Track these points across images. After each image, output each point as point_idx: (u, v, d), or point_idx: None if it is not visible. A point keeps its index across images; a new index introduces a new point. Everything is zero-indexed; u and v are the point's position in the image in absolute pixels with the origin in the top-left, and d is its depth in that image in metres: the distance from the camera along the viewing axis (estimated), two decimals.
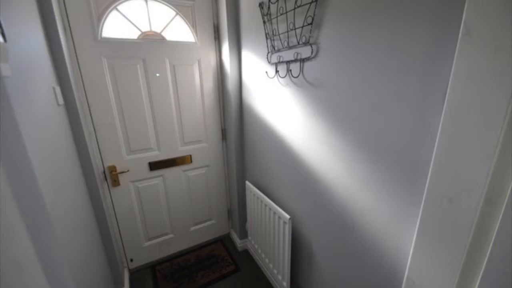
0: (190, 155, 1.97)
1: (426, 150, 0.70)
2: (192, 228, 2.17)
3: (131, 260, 1.95)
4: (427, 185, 0.67)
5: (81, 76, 1.48)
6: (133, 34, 1.61)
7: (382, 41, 0.77)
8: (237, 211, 2.10)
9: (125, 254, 1.91)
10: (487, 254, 0.56)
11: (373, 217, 0.91)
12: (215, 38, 1.83)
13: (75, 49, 1.43)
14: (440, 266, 0.67)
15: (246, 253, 2.13)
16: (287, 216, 1.32)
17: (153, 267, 1.99)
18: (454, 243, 0.62)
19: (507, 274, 0.53)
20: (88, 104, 1.53)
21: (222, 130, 2.07)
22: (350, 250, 1.05)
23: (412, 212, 0.77)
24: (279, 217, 1.40)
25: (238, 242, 2.18)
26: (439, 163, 0.63)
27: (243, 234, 2.16)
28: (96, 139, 1.60)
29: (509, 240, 0.52)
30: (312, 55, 1.06)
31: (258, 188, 1.73)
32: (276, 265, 1.57)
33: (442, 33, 0.62)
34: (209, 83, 1.91)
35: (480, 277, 0.58)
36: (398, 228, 0.83)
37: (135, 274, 1.94)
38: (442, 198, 0.63)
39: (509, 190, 0.51)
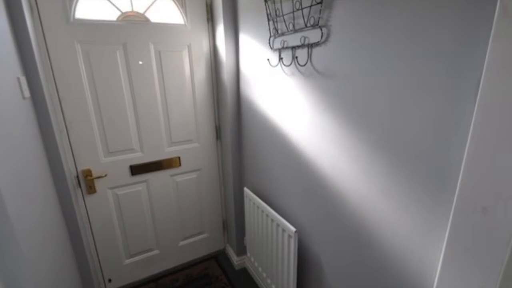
0: (179, 157, 1.98)
1: (455, 151, 0.70)
2: (181, 243, 2.17)
3: (109, 280, 1.95)
4: (457, 192, 0.66)
5: (51, 65, 1.48)
6: (112, 15, 1.61)
7: (403, 22, 0.77)
8: (234, 223, 2.11)
9: (102, 273, 1.92)
10: None
11: (394, 230, 0.91)
12: (208, 20, 1.84)
13: (43, 33, 1.43)
14: (473, 287, 0.67)
15: (244, 272, 2.13)
16: (293, 229, 1.32)
17: None
18: (489, 260, 0.62)
19: None
20: (58, 97, 1.53)
21: (216, 128, 2.08)
22: (366, 268, 1.05)
23: (440, 224, 0.77)
24: (283, 230, 1.40)
25: (235, 259, 2.18)
26: (471, 167, 0.63)
27: (241, 250, 2.17)
28: (68, 138, 1.60)
29: None
30: (322, 40, 1.06)
31: (259, 196, 1.73)
32: (280, 286, 1.57)
33: (475, 14, 0.62)
34: (201, 73, 1.92)
35: None
36: (423, 243, 0.83)
37: None
38: (475, 207, 0.63)
39: None
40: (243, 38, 1.66)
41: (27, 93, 1.24)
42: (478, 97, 0.59)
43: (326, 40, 1.05)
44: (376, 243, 0.99)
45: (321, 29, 1.05)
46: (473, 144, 0.62)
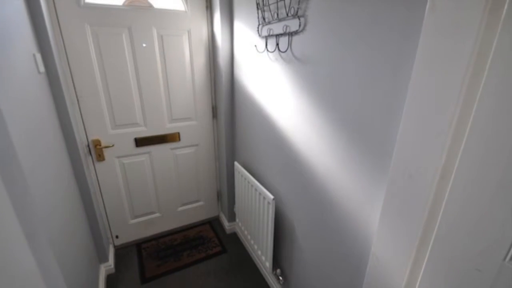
0: (178, 133, 2.06)
1: (395, 130, 0.77)
2: (180, 209, 2.30)
3: (117, 236, 2.10)
4: (392, 162, 0.74)
5: (64, 44, 1.54)
6: (118, 0, 1.64)
7: (365, 13, 0.82)
8: (226, 193, 2.22)
9: (110, 230, 2.06)
10: (436, 227, 0.65)
11: (350, 196, 1.00)
12: (206, 7, 1.86)
13: (57, 15, 1.48)
14: (400, 241, 0.76)
15: (234, 236, 2.27)
16: (271, 197, 1.42)
17: (139, 245, 2.15)
18: (412, 218, 0.71)
19: (450, 251, 0.62)
20: (71, 73, 1.60)
21: (212, 108, 2.14)
22: (328, 228, 1.15)
23: (382, 191, 0.85)
24: (264, 198, 1.50)
25: (227, 224, 2.32)
26: (402, 141, 0.70)
27: (232, 216, 2.29)
28: (80, 110, 1.69)
29: (455, 214, 0.60)
30: (300, 29, 1.11)
31: (246, 169, 1.83)
32: (261, 246, 1.69)
33: (417, 8, 0.67)
34: (200, 57, 1.96)
35: (429, 249, 0.67)
36: (370, 206, 0.91)
37: (120, 251, 2.10)
38: (404, 174, 0.71)
39: (456, 165, 0.59)
40: (237, 25, 1.69)
41: (42, 68, 1.31)
42: (409, 85, 0.66)
43: (304, 29, 1.09)
44: (336, 208, 1.08)
45: (299, 19, 1.10)
46: (404, 121, 0.69)
